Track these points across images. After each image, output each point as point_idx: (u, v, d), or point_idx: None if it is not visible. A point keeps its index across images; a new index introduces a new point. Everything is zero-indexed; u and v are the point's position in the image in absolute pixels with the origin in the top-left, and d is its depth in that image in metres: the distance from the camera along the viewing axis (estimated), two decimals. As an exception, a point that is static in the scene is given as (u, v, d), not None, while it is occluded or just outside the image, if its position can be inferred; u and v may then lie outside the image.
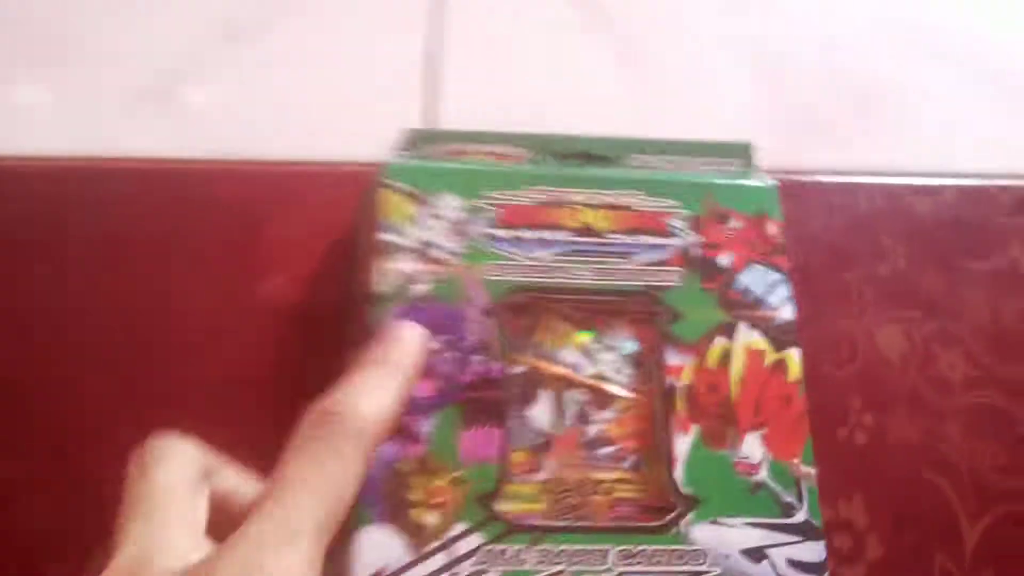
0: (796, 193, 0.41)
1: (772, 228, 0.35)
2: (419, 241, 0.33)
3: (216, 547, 0.22)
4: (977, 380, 0.38)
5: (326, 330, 0.35)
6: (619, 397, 0.33)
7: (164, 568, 0.21)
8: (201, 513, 0.24)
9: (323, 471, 0.23)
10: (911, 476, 0.36)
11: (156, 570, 0.21)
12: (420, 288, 0.32)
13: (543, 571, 0.29)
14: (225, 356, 0.36)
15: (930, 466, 0.37)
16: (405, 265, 0.33)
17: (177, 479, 0.24)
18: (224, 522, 0.23)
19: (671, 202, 0.35)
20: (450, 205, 0.34)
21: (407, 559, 0.29)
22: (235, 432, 0.26)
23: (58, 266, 0.36)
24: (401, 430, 0.30)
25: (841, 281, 0.40)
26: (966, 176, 0.42)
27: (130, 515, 0.22)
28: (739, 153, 0.39)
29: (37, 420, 0.34)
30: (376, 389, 0.25)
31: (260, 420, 0.29)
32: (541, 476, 0.32)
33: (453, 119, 0.42)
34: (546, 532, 0.30)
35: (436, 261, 0.33)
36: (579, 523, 0.31)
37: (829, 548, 0.34)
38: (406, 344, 0.28)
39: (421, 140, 0.38)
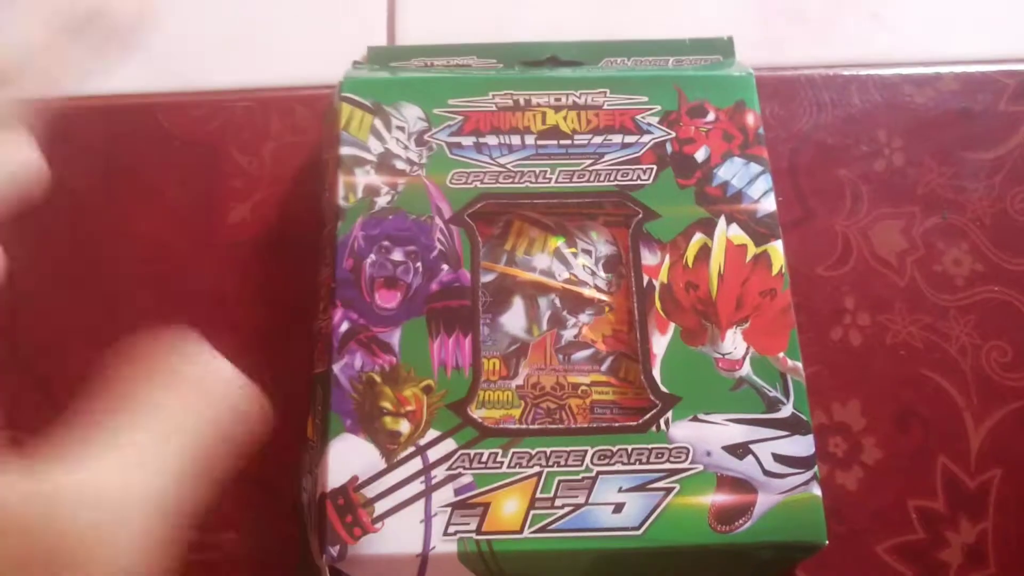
0: (783, 90, 0.39)
1: (750, 118, 0.33)
2: (380, 153, 0.32)
3: None
4: (983, 275, 0.36)
5: (298, 254, 0.34)
6: (594, 300, 0.32)
7: None
8: None
9: None
10: (911, 376, 0.35)
11: None
12: (384, 200, 0.32)
13: (519, 473, 0.28)
14: (192, 290, 0.36)
15: (931, 365, 0.35)
16: (368, 178, 0.32)
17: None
18: None
19: (639, 98, 0.33)
20: (410, 115, 0.33)
21: (381, 466, 0.28)
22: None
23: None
24: (370, 342, 0.30)
25: (833, 179, 0.38)
26: (967, 62, 0.40)
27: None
28: (719, 49, 0.38)
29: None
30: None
31: (241, 349, 0.28)
32: (516, 382, 0.31)
33: (416, 37, 0.40)
34: (521, 435, 0.29)
35: (398, 172, 0.32)
36: (555, 426, 0.30)
37: (822, 452, 0.33)
38: None
39: (384, 57, 0.37)
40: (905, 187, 0.38)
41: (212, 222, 0.36)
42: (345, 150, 0.32)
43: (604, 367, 0.31)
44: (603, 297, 0.32)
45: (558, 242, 0.33)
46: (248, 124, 0.38)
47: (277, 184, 0.37)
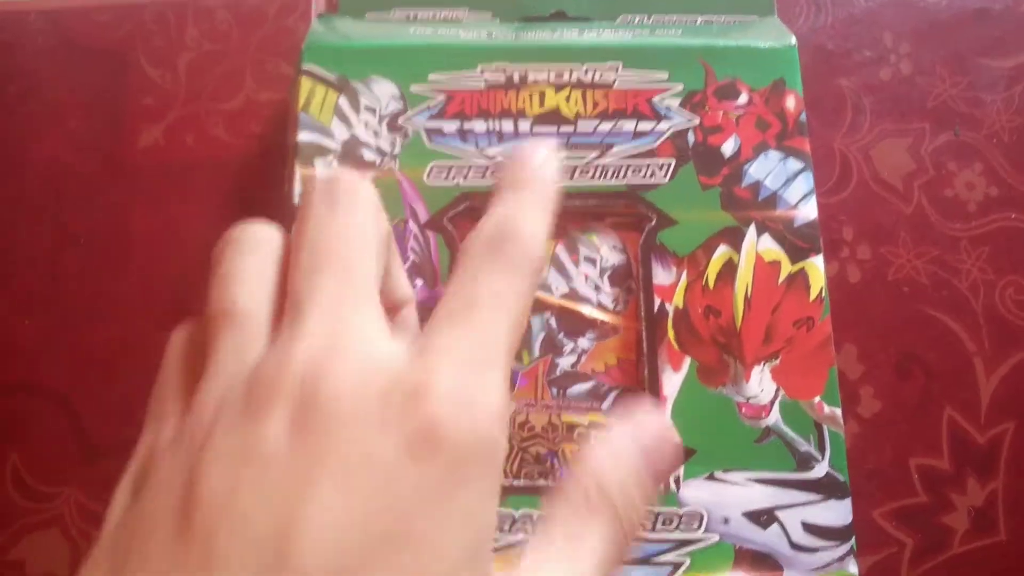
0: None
1: (790, 102, 0.28)
2: (345, 140, 0.27)
3: (413, 355, 0.17)
4: (999, 200, 0.31)
5: (222, 182, 0.30)
6: (597, 321, 0.27)
7: (361, 354, 0.17)
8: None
9: (510, 292, 0.19)
10: (915, 317, 0.30)
11: (352, 356, 0.17)
12: (347, 199, 0.26)
13: (499, 540, 0.24)
14: (95, 224, 0.31)
15: (938, 304, 0.31)
16: (329, 170, 0.27)
17: (371, 230, 0.19)
18: None
19: (658, 74, 0.28)
20: (383, 93, 0.27)
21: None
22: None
23: None
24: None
25: (832, 90, 0.33)
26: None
27: (318, 263, 0.18)
28: (756, 7, 0.31)
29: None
30: (532, 212, 0.20)
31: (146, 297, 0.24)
32: (500, 422, 0.27)
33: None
34: (504, 494, 0.24)
35: (366, 164, 0.27)
36: (543, 482, 0.26)
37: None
38: (545, 164, 0.22)
39: (358, 5, 0.31)
40: (913, 99, 0.33)
41: (119, 146, 0.32)
42: (304, 135, 0.27)
43: (606, 405, 0.27)
44: (607, 318, 0.27)
45: (556, 249, 0.28)
46: (160, 31, 0.33)
47: (194, 102, 0.32)
